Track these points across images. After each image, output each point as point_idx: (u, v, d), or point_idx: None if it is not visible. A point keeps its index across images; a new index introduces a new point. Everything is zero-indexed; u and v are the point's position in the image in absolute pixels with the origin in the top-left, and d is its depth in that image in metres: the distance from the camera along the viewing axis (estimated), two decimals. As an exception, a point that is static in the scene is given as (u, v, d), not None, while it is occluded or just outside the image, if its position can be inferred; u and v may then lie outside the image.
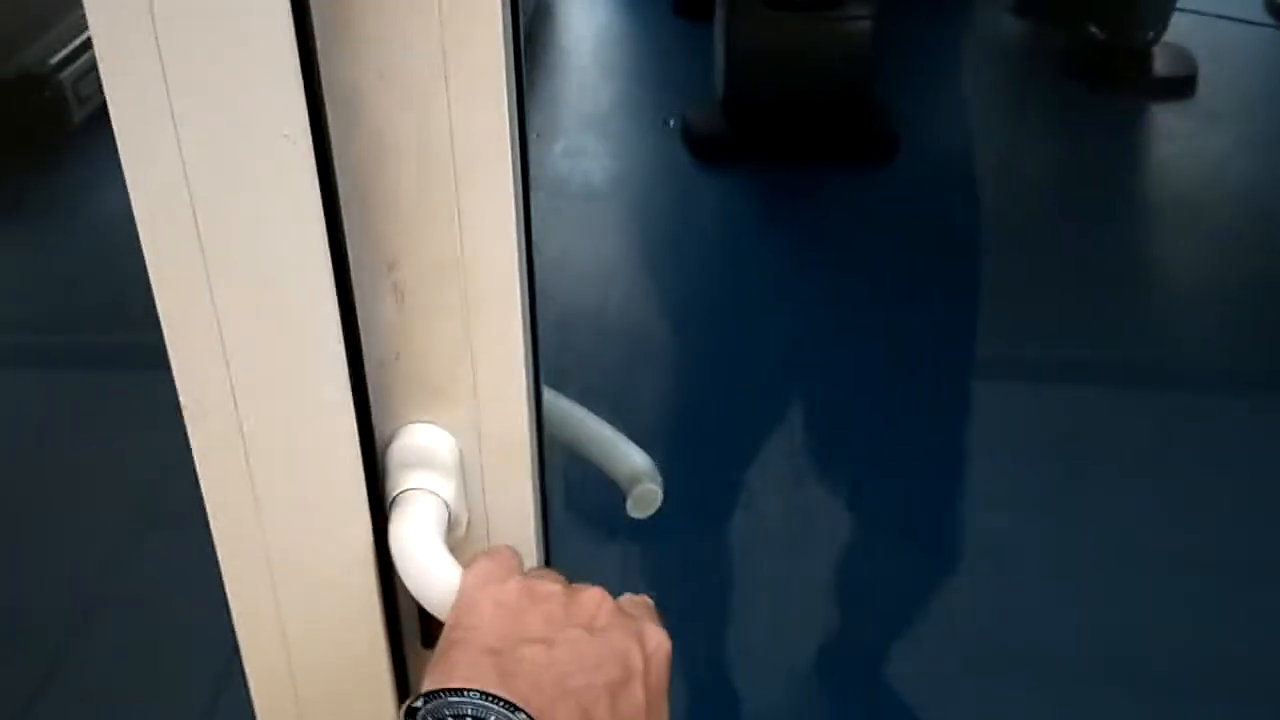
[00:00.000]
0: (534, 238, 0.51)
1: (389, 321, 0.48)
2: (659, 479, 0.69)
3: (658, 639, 0.45)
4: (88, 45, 3.07)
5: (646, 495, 0.69)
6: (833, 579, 1.82)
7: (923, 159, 3.00)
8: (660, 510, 0.70)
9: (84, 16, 0.37)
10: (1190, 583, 1.73)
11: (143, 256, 0.42)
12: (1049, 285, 2.47)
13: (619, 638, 0.44)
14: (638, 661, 0.44)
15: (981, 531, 1.88)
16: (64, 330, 2.59)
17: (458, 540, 0.53)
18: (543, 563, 0.60)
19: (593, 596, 0.46)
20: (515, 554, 0.50)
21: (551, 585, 0.46)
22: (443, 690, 0.40)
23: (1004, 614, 1.73)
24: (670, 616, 0.48)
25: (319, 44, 0.42)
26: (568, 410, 0.69)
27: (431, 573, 0.47)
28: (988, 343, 2.31)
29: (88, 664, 1.67)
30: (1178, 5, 3.22)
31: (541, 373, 0.57)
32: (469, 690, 0.39)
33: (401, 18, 0.41)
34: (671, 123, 3.19)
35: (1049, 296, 2.43)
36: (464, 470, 0.52)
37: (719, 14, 3.11)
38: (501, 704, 0.39)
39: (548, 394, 0.68)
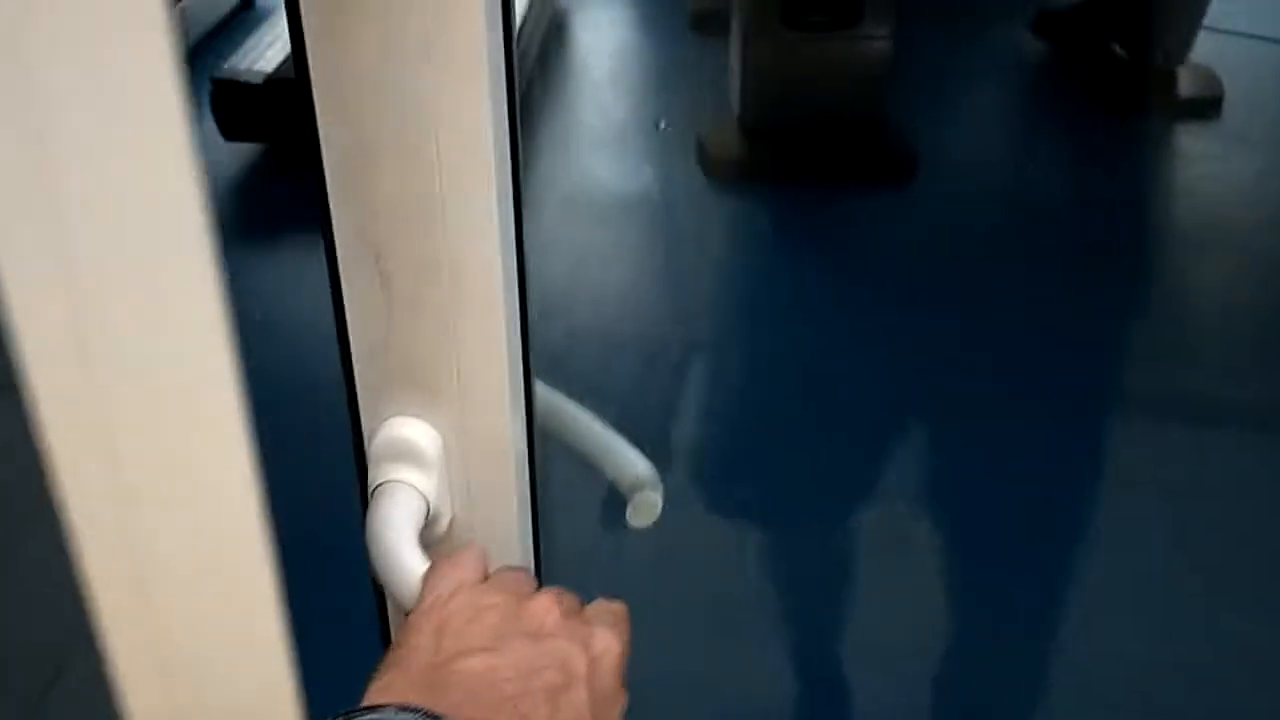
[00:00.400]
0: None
1: (377, 311, 0.50)
2: (660, 487, 0.70)
3: (606, 643, 0.46)
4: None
5: (647, 503, 0.70)
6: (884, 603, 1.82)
7: (941, 180, 3.03)
8: (664, 520, 0.71)
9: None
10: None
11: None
12: (1069, 309, 2.47)
13: (562, 643, 0.45)
14: (580, 665, 0.44)
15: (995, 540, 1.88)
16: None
17: (439, 536, 0.54)
18: (530, 562, 0.62)
19: (541, 604, 0.47)
20: (479, 558, 0.50)
21: (497, 596, 0.47)
22: (358, 709, 0.40)
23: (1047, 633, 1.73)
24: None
25: (309, 39, 0.45)
26: (570, 413, 0.71)
27: (396, 564, 0.49)
28: (1004, 366, 2.32)
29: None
30: (1203, 24, 3.24)
31: (533, 373, 0.58)
32: (385, 706, 0.40)
33: (389, 15, 0.44)
34: (662, 125, 3.23)
35: (1068, 320, 2.44)
36: (450, 467, 0.54)
37: (734, 33, 3.13)
38: (420, 714, 0.39)
39: (551, 396, 0.70)
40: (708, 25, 3.80)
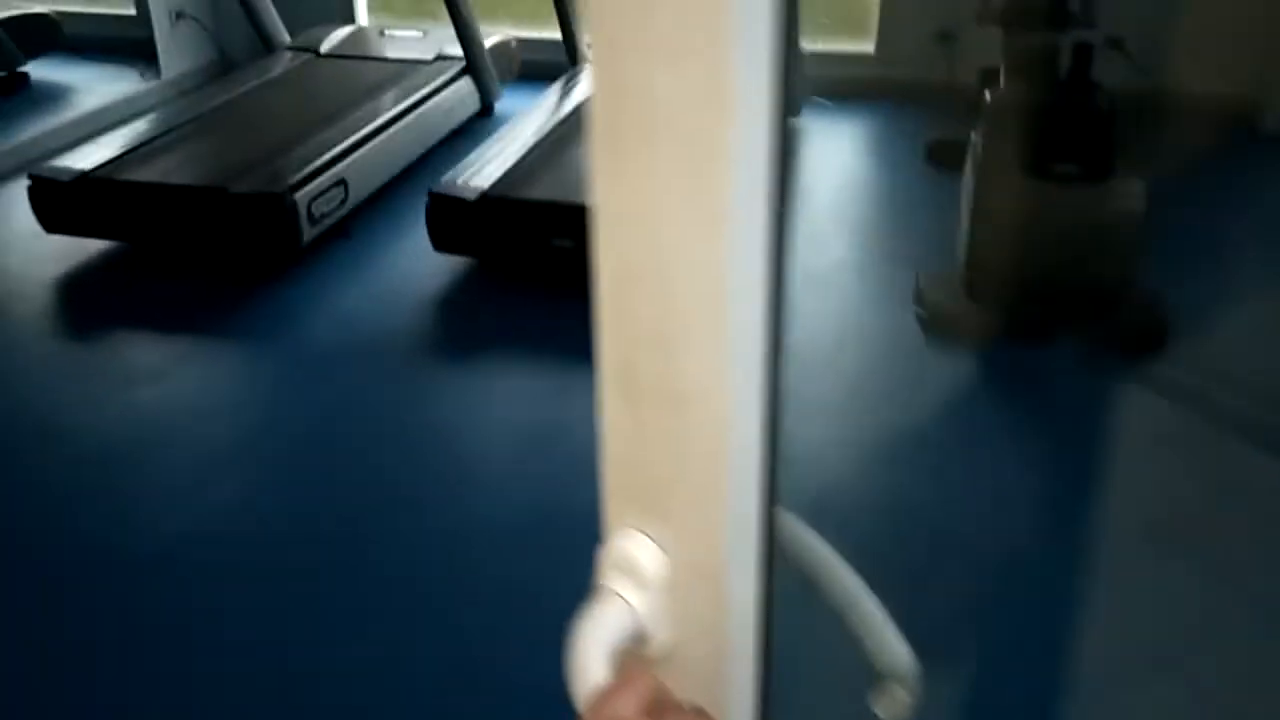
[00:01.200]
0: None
1: (625, 427, 0.56)
2: (913, 686, 0.69)
3: None
4: (324, 167, 3.46)
5: (893, 698, 0.69)
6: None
7: (1194, 356, 2.88)
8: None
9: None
10: None
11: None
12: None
13: None
14: None
15: None
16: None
17: (652, 655, 0.58)
18: (743, 709, 0.63)
19: None
20: (644, 690, 0.53)
21: None
22: None
23: None
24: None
25: (595, 175, 0.53)
26: (841, 576, 0.72)
27: (579, 671, 0.53)
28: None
29: None
30: None
31: (777, 516, 0.61)
32: None
33: (650, 155, 0.50)
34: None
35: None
36: (672, 591, 0.58)
37: (968, 174, 3.08)
38: None
39: (824, 552, 0.71)
40: (944, 157, 3.77)
